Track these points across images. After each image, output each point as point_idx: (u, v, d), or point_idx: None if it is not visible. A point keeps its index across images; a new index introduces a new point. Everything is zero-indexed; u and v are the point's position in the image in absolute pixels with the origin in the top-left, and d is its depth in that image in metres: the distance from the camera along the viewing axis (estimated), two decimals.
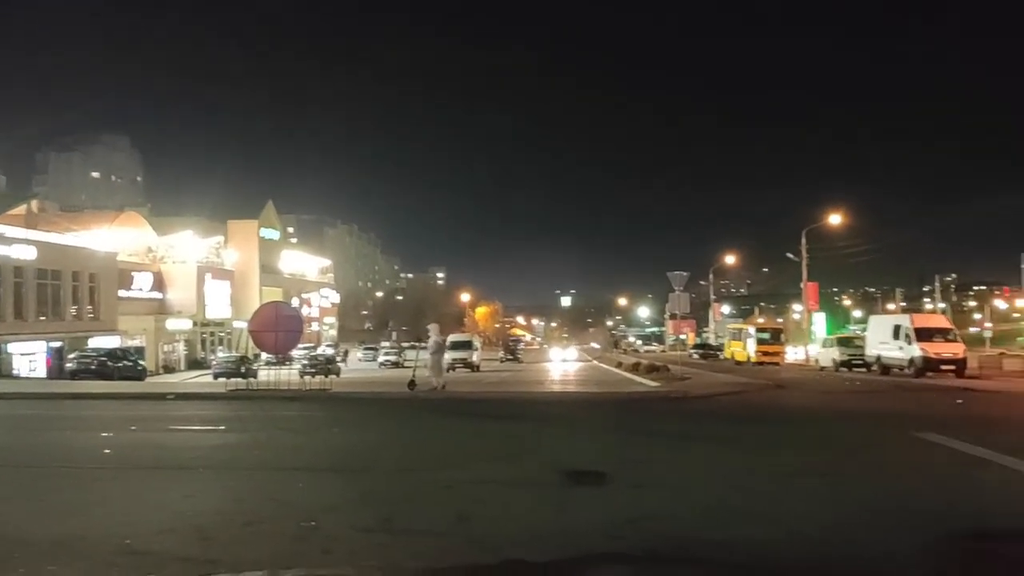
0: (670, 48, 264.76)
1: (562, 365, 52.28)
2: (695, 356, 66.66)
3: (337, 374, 36.96)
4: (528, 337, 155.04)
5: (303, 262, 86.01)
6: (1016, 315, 79.91)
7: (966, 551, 6.89)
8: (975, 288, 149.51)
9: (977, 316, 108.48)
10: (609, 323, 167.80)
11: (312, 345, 58.34)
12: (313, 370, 35.17)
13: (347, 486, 9.60)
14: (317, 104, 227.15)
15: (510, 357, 63.95)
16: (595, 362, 57.36)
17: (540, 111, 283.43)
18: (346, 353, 56.20)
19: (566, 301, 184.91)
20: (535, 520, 7.78)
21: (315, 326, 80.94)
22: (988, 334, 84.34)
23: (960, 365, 32.66)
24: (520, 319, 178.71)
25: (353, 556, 6.37)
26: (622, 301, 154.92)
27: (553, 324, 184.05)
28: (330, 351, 52.42)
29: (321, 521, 7.37)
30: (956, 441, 12.90)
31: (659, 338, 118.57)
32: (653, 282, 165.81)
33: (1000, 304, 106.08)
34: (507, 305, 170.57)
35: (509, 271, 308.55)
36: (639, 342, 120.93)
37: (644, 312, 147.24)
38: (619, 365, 44.94)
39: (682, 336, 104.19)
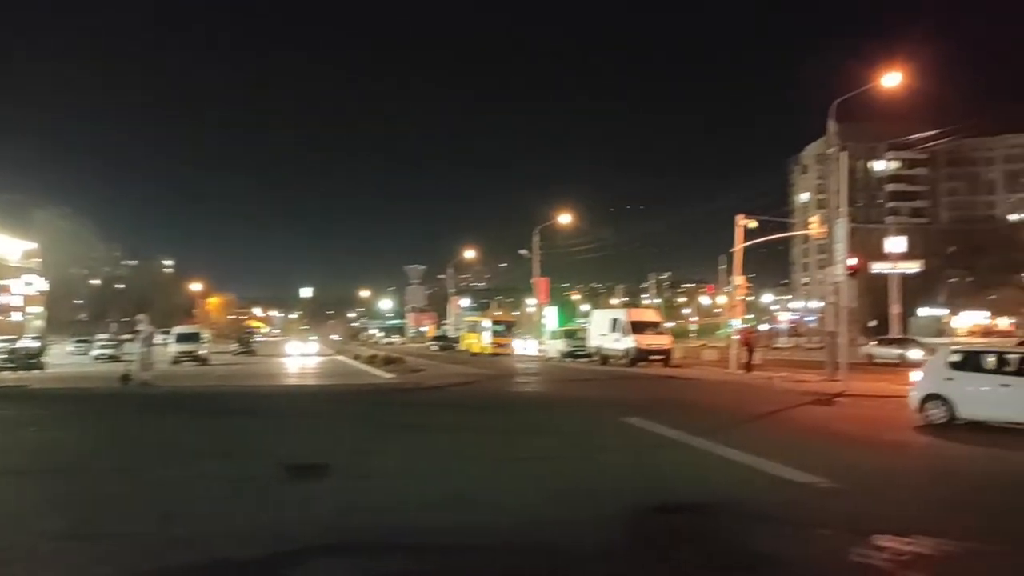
0: (413, 36, 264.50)
1: (300, 358, 50.92)
2: (434, 348, 67.77)
3: (41, 368, 33.30)
4: (265, 329, 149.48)
5: (3, 245, 76.73)
6: (717, 310, 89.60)
7: (654, 523, 7.66)
8: (685, 285, 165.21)
9: (686, 311, 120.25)
10: (351, 315, 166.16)
11: (13, 337, 52.09)
12: (12, 364, 31.43)
13: (37, 491, 8.70)
14: (25, 76, 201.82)
15: (243, 350, 61.12)
16: (335, 355, 56.49)
17: (276, 97, 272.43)
18: (44, 347, 50.57)
19: (306, 292, 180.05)
20: (251, 516, 7.53)
21: (17, 316, 72.60)
22: (694, 327, 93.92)
23: (667, 355, 36.04)
24: (257, 310, 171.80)
25: (32, 567, 5.80)
26: (365, 293, 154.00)
27: (292, 316, 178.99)
28: (35, 343, 47.07)
29: (1, 531, 6.65)
30: (657, 425, 14.25)
31: (400, 330, 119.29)
32: (396, 275, 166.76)
33: (705, 300, 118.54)
34: (242, 296, 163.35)
35: (246, 261, 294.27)
36: (380, 334, 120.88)
37: (387, 304, 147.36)
38: (357, 357, 44.57)
39: (423, 328, 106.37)
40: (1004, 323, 76.09)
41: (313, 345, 66.22)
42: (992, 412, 13.72)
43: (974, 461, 11.55)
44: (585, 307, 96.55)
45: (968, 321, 77.68)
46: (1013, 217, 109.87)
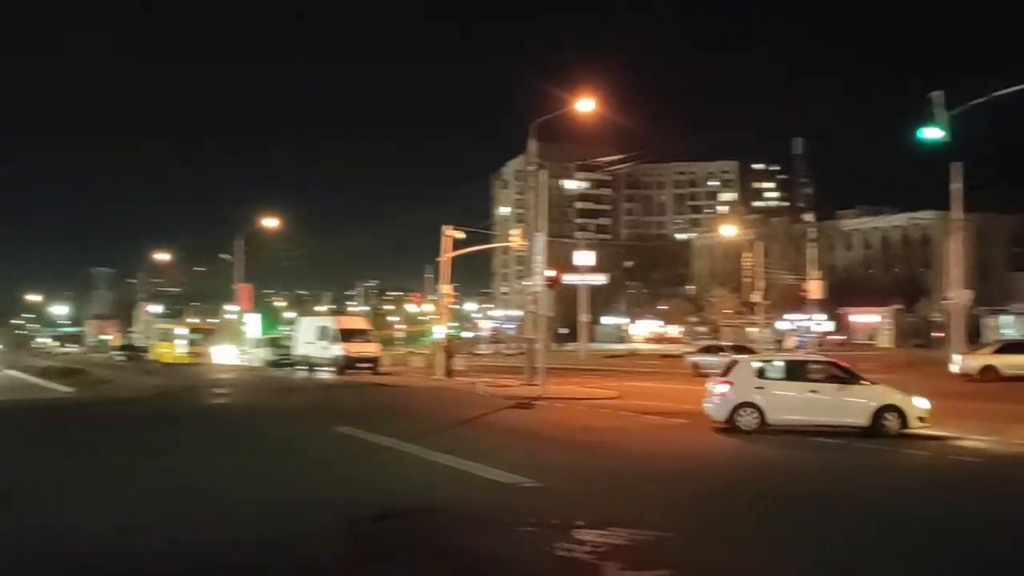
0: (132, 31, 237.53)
1: None
2: (119, 358, 62.23)
3: None
4: None
5: None
6: (423, 318, 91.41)
7: (371, 531, 7.66)
8: (393, 293, 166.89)
9: (393, 319, 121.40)
10: (17, 322, 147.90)
11: None
12: None
13: None
14: None
15: None
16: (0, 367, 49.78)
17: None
18: None
19: None
20: None
21: None
22: (401, 335, 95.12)
23: (375, 363, 36.18)
24: None
25: None
26: (35, 298, 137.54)
27: None
28: None
29: None
30: (368, 433, 14.29)
31: (78, 339, 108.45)
32: (74, 279, 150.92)
33: (412, 308, 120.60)
34: None
35: None
36: (54, 343, 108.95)
37: (62, 311, 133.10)
38: (27, 369, 39.76)
39: (105, 337, 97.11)
40: (674, 331, 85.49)
41: None
42: (802, 416, 14.68)
43: (702, 461, 12.78)
44: (290, 314, 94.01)
45: (644, 329, 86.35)
46: (680, 236, 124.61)
